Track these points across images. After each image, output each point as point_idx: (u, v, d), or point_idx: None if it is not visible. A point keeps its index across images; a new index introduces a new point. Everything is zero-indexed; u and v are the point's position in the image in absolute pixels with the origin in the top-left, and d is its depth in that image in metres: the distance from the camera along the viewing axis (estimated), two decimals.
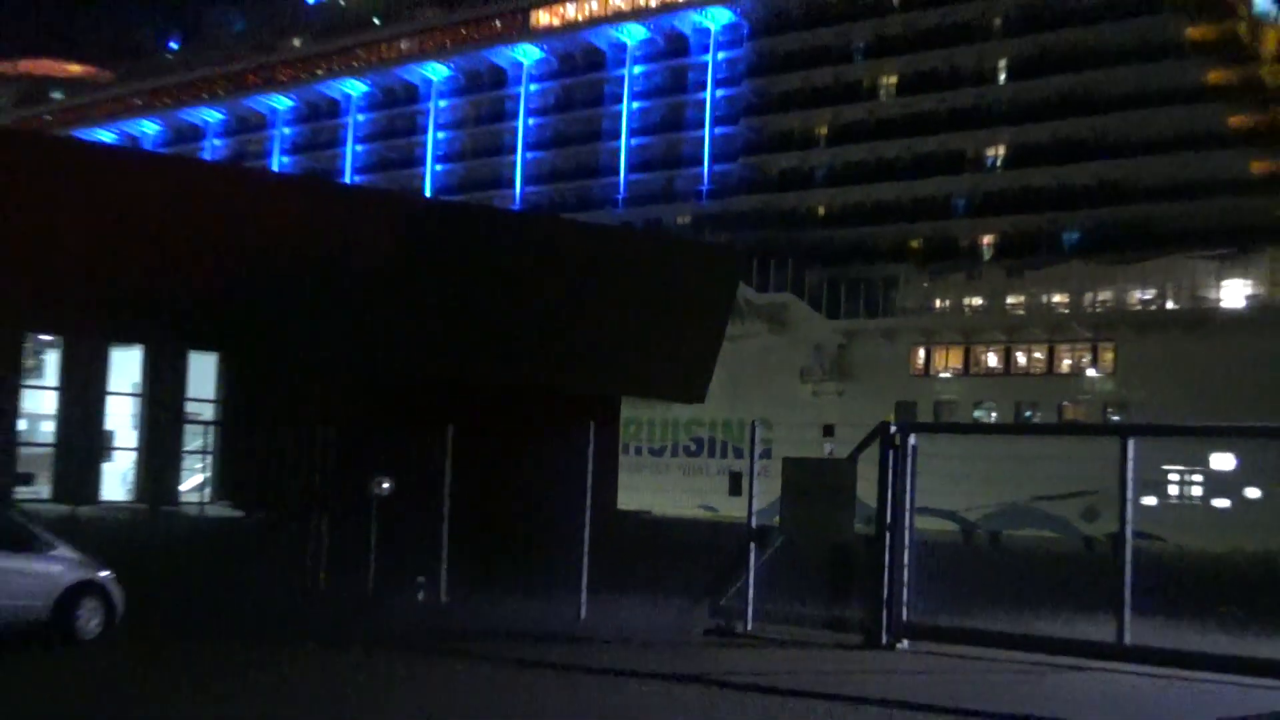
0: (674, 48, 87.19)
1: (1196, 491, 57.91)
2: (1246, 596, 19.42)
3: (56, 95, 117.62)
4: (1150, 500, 47.73)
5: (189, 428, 37.33)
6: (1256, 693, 12.30)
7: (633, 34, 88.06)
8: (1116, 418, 59.29)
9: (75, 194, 36.95)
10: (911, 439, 15.85)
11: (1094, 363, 66.88)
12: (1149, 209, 66.09)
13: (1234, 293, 63.96)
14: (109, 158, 58.66)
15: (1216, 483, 57.23)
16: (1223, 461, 56.45)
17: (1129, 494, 14.24)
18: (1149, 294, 66.11)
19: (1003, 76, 73.88)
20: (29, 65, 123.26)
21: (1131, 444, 14.38)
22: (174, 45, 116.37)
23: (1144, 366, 62.68)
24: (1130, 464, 14.17)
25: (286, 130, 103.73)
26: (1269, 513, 49.84)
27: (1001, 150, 73.39)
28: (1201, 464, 57.33)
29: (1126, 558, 13.89)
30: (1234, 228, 63.33)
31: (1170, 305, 64.95)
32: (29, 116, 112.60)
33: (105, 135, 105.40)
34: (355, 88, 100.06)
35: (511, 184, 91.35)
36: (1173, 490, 57.56)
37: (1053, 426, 58.46)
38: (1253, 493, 54.94)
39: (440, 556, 17.95)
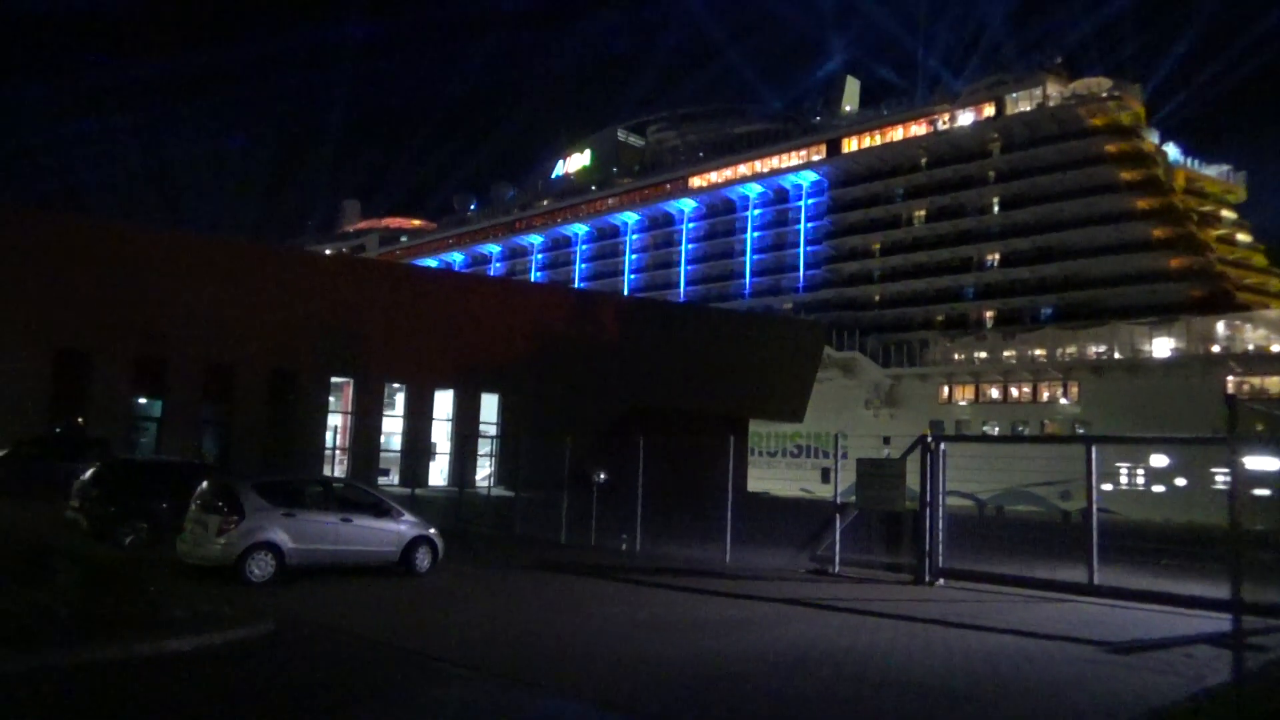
0: (779, 197, 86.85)
1: (1140, 480, 55.05)
2: (1177, 552, 18.50)
3: (404, 239, 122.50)
4: (1108, 486, 45.97)
5: (481, 440, 37.97)
6: (1188, 619, 11.65)
7: (752, 189, 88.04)
8: (1081, 430, 57.30)
9: (413, 301, 38.57)
10: (942, 446, 15.43)
11: (1065, 395, 64.35)
12: (1099, 292, 64.03)
13: (1161, 347, 61.01)
14: (434, 277, 60.97)
15: (1154, 475, 54.35)
16: (1159, 460, 53.69)
17: (1093, 483, 13.79)
18: (1101, 348, 63.38)
19: (996, 208, 72.13)
20: (388, 221, 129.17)
21: (1094, 450, 13.96)
22: (473, 206, 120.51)
23: (1099, 397, 60.68)
24: (1093, 463, 13.79)
25: (539, 257, 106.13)
26: (1192, 496, 47.46)
27: (996, 256, 71.52)
28: (1143, 462, 54.55)
29: (1093, 525, 13.36)
30: (1158, 304, 61.19)
31: (1116, 355, 62.10)
32: (385, 252, 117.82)
33: (430, 262, 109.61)
34: (580, 229, 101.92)
35: (679, 286, 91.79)
36: (1123, 480, 54.96)
37: (1038, 437, 56.65)
38: (1180, 481, 52.19)
39: (636, 521, 17.99)
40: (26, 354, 29.28)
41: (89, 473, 16.66)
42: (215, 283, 32.33)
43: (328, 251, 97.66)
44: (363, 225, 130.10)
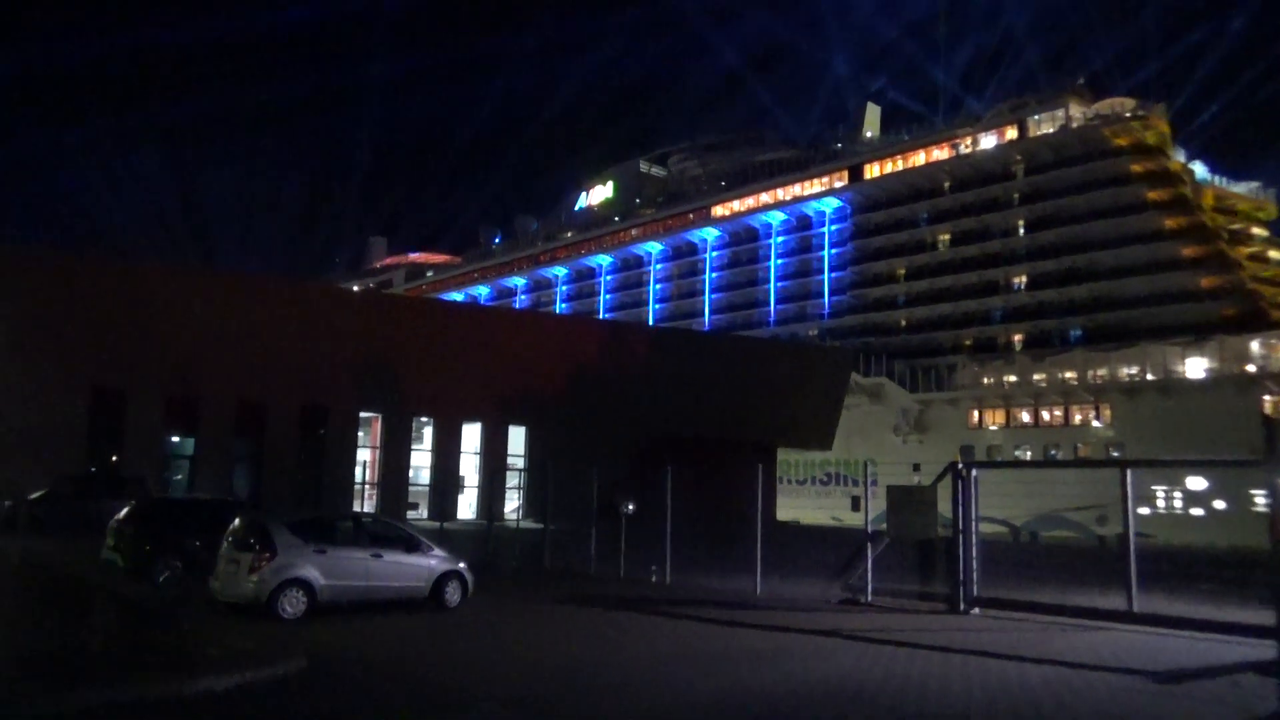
0: (802, 224, 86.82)
1: (1177, 504, 53.92)
2: (1218, 576, 18.10)
3: (430, 274, 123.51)
4: (1145, 510, 45.08)
5: (509, 472, 37.96)
6: (1231, 646, 11.34)
7: (775, 217, 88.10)
8: (1116, 453, 56.39)
9: (440, 335, 38.81)
10: (974, 472, 15.24)
11: (1097, 417, 63.35)
12: (1129, 313, 63.03)
13: (1194, 367, 59.91)
14: (459, 311, 61.40)
15: (1192, 497, 53.18)
16: (1196, 482, 52.49)
17: (1129, 507, 13.50)
18: (1133, 370, 62.33)
19: (1021, 230, 71.54)
20: (415, 256, 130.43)
21: (1129, 473, 13.69)
22: (497, 240, 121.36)
23: (1133, 419, 59.64)
24: (1129, 487, 13.49)
25: (563, 288, 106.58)
26: (1231, 518, 46.54)
27: (1023, 278, 70.76)
28: (1179, 485, 53.43)
29: (1131, 550, 13.08)
30: (1190, 324, 60.15)
31: (1149, 377, 61.08)
32: (412, 287, 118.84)
33: (456, 296, 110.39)
34: (604, 260, 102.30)
35: (704, 315, 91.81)
36: (1160, 503, 53.87)
37: (1071, 462, 55.80)
38: (1219, 504, 51.16)
39: (665, 552, 17.88)
40: (64, 394, 29.79)
41: (124, 512, 16.86)
42: (246, 320, 32.77)
43: (355, 288, 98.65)
44: (389, 261, 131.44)
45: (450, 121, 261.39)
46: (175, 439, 33.88)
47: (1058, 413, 65.66)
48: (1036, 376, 66.83)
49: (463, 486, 38.07)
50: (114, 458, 31.30)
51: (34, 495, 23.69)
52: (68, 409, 29.94)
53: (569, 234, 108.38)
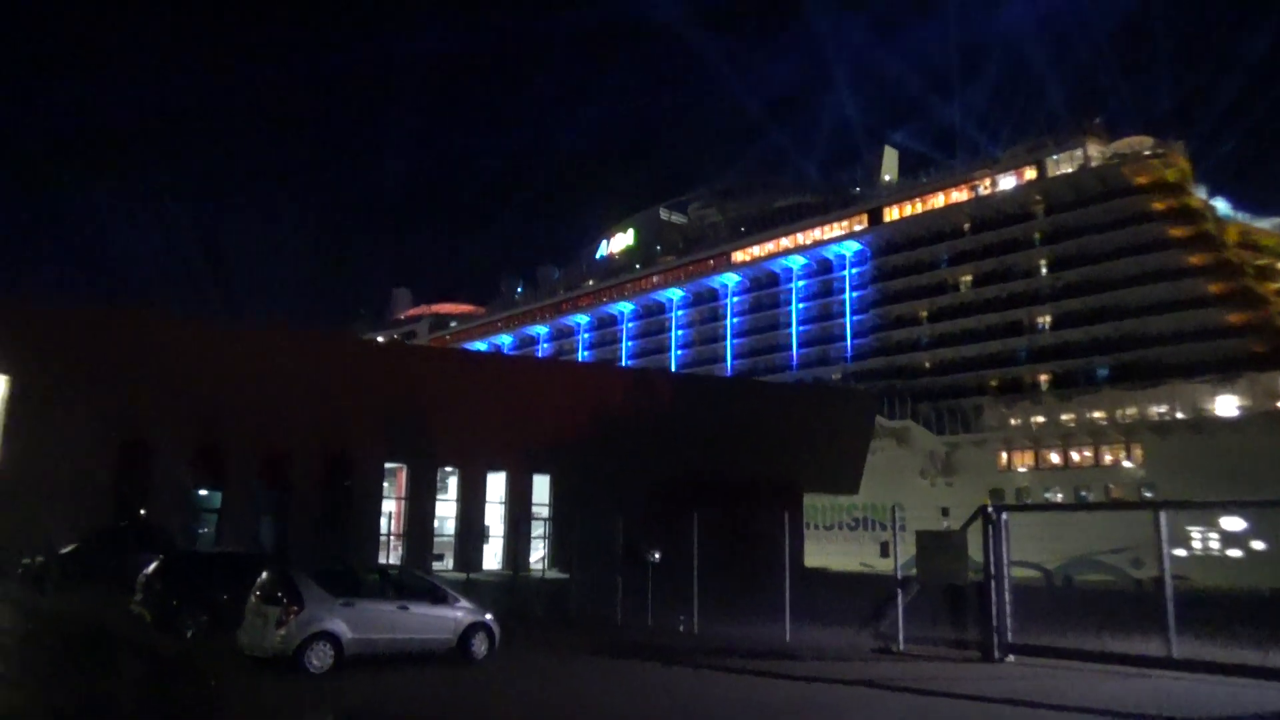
0: (823, 268, 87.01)
1: (1214, 545, 52.74)
2: (1262, 620, 17.60)
3: (453, 324, 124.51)
4: (1181, 552, 44.10)
5: (533, 522, 37.71)
6: (1276, 692, 11.00)
7: (796, 261, 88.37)
8: (1149, 494, 55.44)
9: (464, 384, 38.97)
10: (1003, 516, 15.02)
11: (1128, 457, 62.35)
12: (1156, 351, 62.34)
13: (1225, 405, 59.03)
14: (483, 360, 61.80)
15: (1229, 538, 52.02)
16: (1233, 523, 51.38)
17: (1164, 549, 13.22)
18: (1163, 409, 61.47)
19: (1044, 270, 71.24)
20: (438, 307, 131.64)
21: (1162, 515, 13.44)
22: (519, 289, 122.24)
23: (1165, 459, 58.51)
24: (1163, 529, 13.24)
25: (586, 336, 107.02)
26: (1271, 559, 45.50)
27: (1047, 318, 70.26)
28: (1216, 525, 52.27)
29: (1168, 594, 12.79)
30: (1219, 361, 59.34)
31: (1179, 415, 60.21)
32: (436, 337, 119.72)
33: (479, 346, 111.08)
34: (625, 307, 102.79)
35: (725, 360, 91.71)
36: (1196, 544, 52.69)
37: (1104, 504, 55.04)
38: (1258, 545, 50.06)
39: (693, 600, 17.68)
40: (93, 448, 30.08)
41: (152, 566, 16.93)
42: (272, 372, 33.04)
43: (380, 339, 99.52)
44: (413, 312, 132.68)
45: (471, 173, 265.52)
46: (202, 491, 34.06)
47: (1087, 453, 64.70)
48: (1064, 417, 66.08)
49: (488, 536, 37.89)
50: (142, 511, 31.49)
51: (64, 550, 23.86)
52: (96, 463, 30.21)
53: (590, 282, 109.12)
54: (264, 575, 13.40)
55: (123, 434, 31.09)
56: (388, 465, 37.32)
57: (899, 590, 15.58)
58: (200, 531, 33.16)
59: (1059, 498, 63.58)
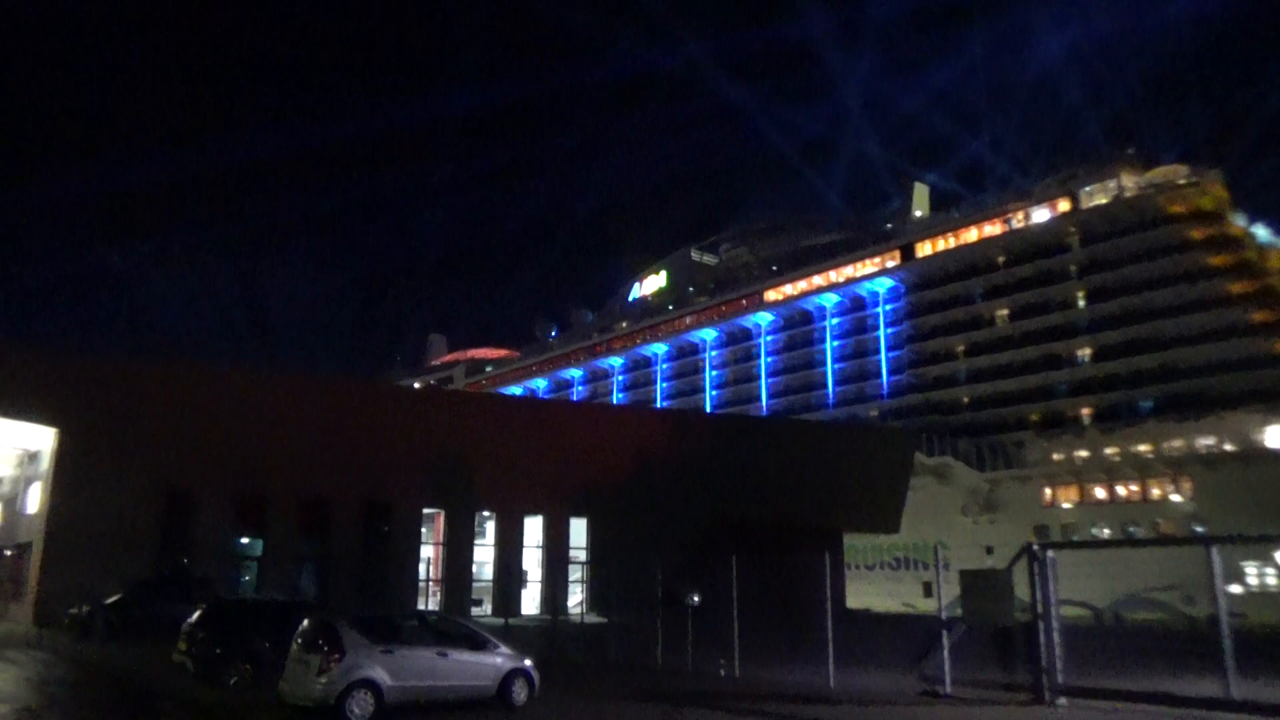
0: (856, 305, 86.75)
1: (1271, 580, 51.11)
2: None
3: (488, 368, 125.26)
4: (1236, 588, 42.80)
5: (571, 565, 37.54)
6: None
7: (829, 299, 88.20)
8: (1199, 529, 53.96)
9: (500, 429, 39.09)
10: (1049, 553, 14.69)
11: (1176, 491, 60.83)
12: (1201, 382, 61.27)
13: (1275, 435, 57.55)
14: (518, 405, 62.05)
15: None
16: None
17: (1218, 586, 12.83)
18: (1210, 440, 60.04)
19: (1081, 302, 70.47)
20: (473, 352, 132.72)
21: (1215, 550, 13.05)
22: (553, 333, 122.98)
23: (1215, 492, 57.12)
24: (1216, 565, 12.86)
25: (620, 378, 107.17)
26: None
27: (1087, 351, 69.40)
28: (1272, 560, 50.67)
29: (1224, 632, 12.38)
30: (1266, 390, 58.23)
31: (1228, 447, 58.77)
32: (472, 382, 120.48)
33: (514, 390, 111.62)
34: (659, 348, 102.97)
35: (761, 400, 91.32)
36: (1252, 579, 51.11)
37: (1153, 540, 53.55)
38: None
39: (733, 643, 17.44)
40: (138, 497, 30.53)
41: (195, 615, 17.04)
42: (311, 420, 33.46)
43: (416, 385, 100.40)
44: (449, 358, 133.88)
45: (504, 220, 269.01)
46: (243, 539, 34.35)
47: (1134, 487, 63.30)
48: (1109, 450, 64.82)
49: (525, 581, 37.72)
50: (184, 559, 31.80)
51: (109, 600, 24.13)
52: (141, 512, 30.63)
53: (624, 324, 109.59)
54: (305, 623, 13.42)
55: (167, 484, 31.52)
56: (426, 510, 37.40)
57: (944, 631, 15.24)
58: (242, 579, 33.38)
59: (1106, 534, 62.19)
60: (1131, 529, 60.97)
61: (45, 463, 32.11)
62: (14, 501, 37.65)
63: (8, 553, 35.66)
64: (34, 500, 33.67)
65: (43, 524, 30.32)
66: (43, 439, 32.33)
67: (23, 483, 36.32)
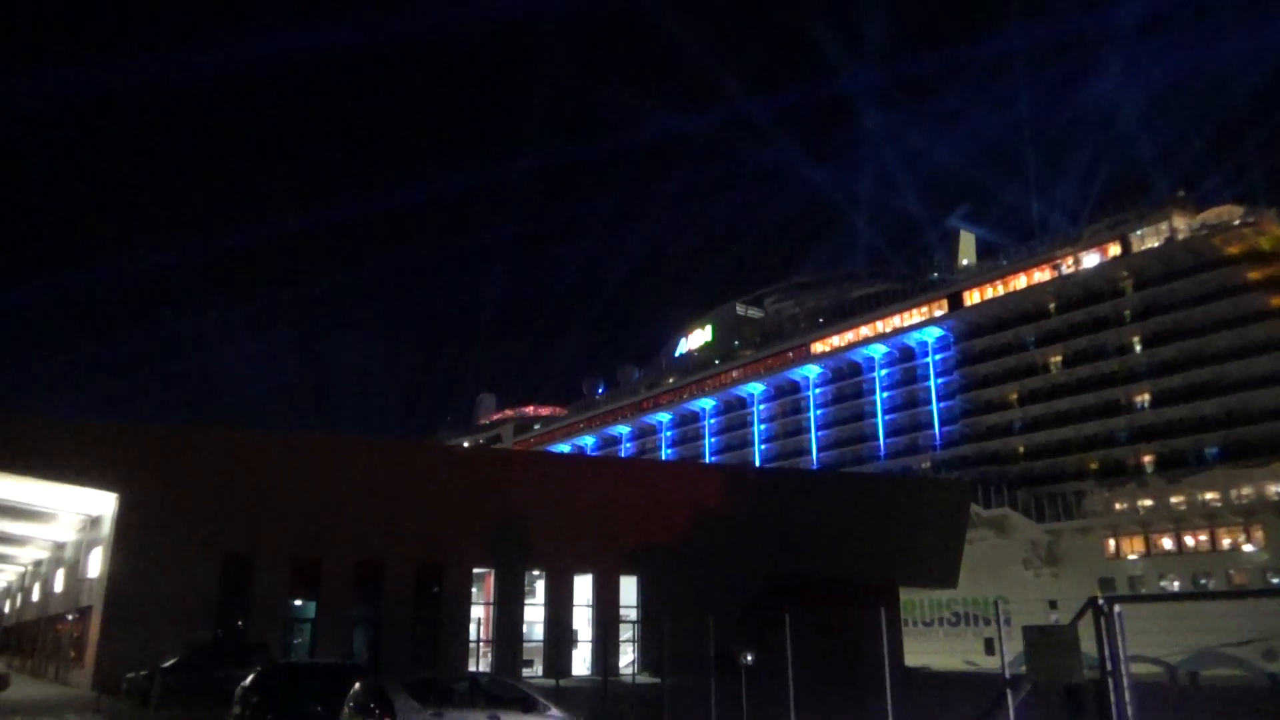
0: (905, 356, 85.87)
1: None
2: None
3: (537, 426, 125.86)
4: None
5: (622, 625, 37.05)
6: None
7: (877, 350, 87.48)
8: (1275, 579, 51.70)
9: (549, 487, 39.09)
10: (1116, 608, 14.15)
11: (1248, 540, 58.52)
12: (1269, 426, 59.28)
13: None
14: (567, 462, 62.15)
15: None
16: None
17: None
18: None
19: (1138, 347, 68.93)
20: (522, 410, 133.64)
21: None
22: (601, 390, 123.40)
23: None
24: None
25: (668, 434, 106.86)
26: None
27: (1146, 396, 67.65)
28: None
29: None
30: None
31: None
32: (520, 440, 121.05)
33: (562, 447, 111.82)
34: (707, 403, 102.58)
35: (810, 453, 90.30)
36: None
37: (1228, 593, 51.55)
38: None
39: (789, 704, 17.00)
40: (197, 562, 30.97)
41: (249, 679, 17.11)
42: (363, 483, 33.79)
43: (466, 444, 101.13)
44: (498, 416, 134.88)
45: (552, 280, 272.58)
46: (298, 602, 34.57)
47: (1203, 537, 61.11)
48: (1174, 499, 62.78)
49: (576, 641, 37.32)
50: (240, 623, 32.06)
51: (166, 664, 24.36)
52: (200, 576, 31.02)
53: (670, 379, 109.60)
54: (356, 686, 13.42)
55: (224, 548, 31.93)
56: (476, 570, 37.34)
57: (1008, 690, 14.68)
58: (295, 642, 33.50)
59: (1175, 586, 59.87)
60: (1203, 581, 58.67)
61: (106, 527, 32.79)
62: (75, 566, 38.39)
63: (70, 617, 36.26)
64: (95, 565, 34.31)
65: (103, 588, 30.85)
66: (104, 504, 33.06)
67: (84, 547, 37.05)
